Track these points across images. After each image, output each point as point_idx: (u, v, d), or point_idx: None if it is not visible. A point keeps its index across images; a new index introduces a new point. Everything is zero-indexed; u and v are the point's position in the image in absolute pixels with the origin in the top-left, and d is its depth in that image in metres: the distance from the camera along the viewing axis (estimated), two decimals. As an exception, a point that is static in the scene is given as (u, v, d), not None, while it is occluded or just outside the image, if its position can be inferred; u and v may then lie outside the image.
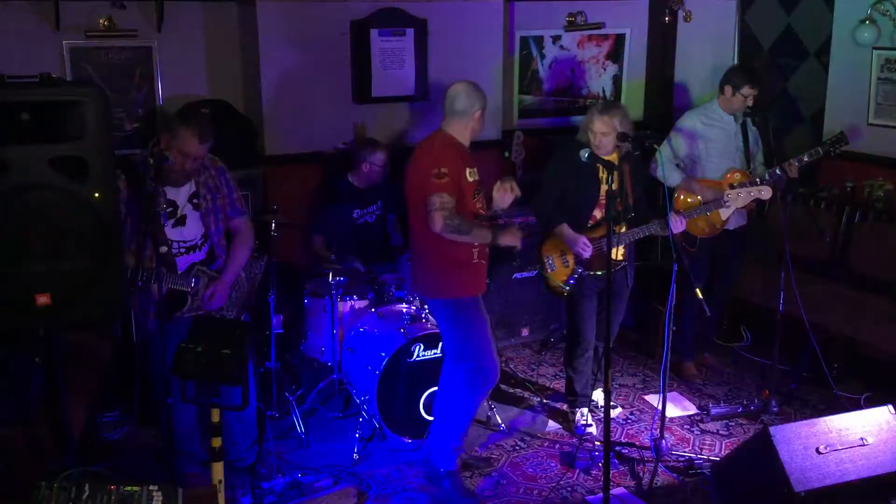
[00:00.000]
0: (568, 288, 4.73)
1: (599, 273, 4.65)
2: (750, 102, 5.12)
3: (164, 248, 3.91)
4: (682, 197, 5.20)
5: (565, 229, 4.64)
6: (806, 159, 4.97)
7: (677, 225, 4.57)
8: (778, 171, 4.94)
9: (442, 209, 3.97)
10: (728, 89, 5.13)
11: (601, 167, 4.55)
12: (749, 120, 5.18)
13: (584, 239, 4.59)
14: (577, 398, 4.97)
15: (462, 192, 4.07)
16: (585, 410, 4.95)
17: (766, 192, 4.82)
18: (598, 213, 4.67)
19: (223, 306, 4.19)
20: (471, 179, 4.11)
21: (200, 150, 3.93)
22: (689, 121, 5.27)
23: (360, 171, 5.50)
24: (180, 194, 4.03)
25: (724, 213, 5.11)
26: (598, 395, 5.05)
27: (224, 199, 4.16)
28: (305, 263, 5.66)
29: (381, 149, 5.52)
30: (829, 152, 5.04)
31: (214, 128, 4.02)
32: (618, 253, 4.65)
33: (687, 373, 5.54)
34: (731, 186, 5.00)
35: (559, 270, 4.74)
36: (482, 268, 4.22)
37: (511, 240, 4.14)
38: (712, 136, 5.18)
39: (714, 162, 5.18)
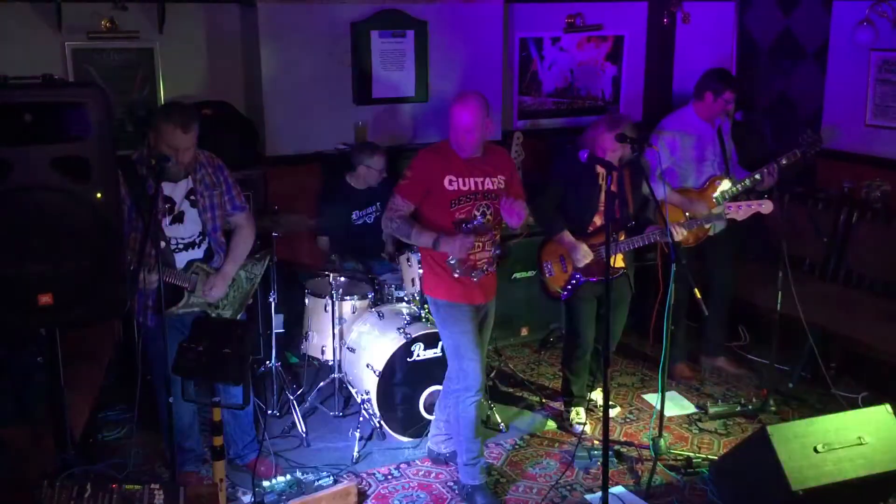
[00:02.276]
0: (566, 293, 4.74)
1: (599, 279, 4.66)
2: (731, 107, 5.11)
3: (162, 244, 3.93)
4: (669, 209, 5.16)
5: (565, 236, 4.65)
6: (784, 162, 4.97)
7: (677, 235, 4.60)
8: (757, 176, 4.96)
9: (388, 210, 4.11)
10: (709, 95, 5.10)
11: (601, 174, 4.58)
12: (726, 123, 5.18)
13: (583, 246, 4.60)
14: (574, 398, 4.99)
15: (435, 199, 4.04)
16: (581, 409, 4.97)
17: (766, 207, 4.77)
18: (598, 220, 4.68)
19: (220, 304, 4.20)
20: (450, 188, 4.03)
21: (185, 141, 3.89)
22: (667, 128, 5.21)
23: (358, 173, 5.52)
24: (177, 191, 4.03)
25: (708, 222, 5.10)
26: (598, 395, 5.07)
27: (222, 196, 4.16)
28: (307, 263, 5.68)
29: (380, 153, 5.52)
30: (806, 153, 5.02)
31: (197, 115, 3.97)
32: (617, 260, 4.66)
33: (679, 374, 5.54)
34: (723, 197, 5.01)
35: (557, 276, 4.76)
36: (466, 282, 4.11)
37: (453, 250, 3.98)
38: (690, 143, 5.14)
39: (694, 169, 5.15)
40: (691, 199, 5.10)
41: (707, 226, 5.10)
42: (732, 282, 5.56)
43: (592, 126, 4.66)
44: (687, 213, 5.07)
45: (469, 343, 4.11)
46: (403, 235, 4.10)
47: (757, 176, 4.98)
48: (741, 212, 4.80)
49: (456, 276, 4.09)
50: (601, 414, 4.91)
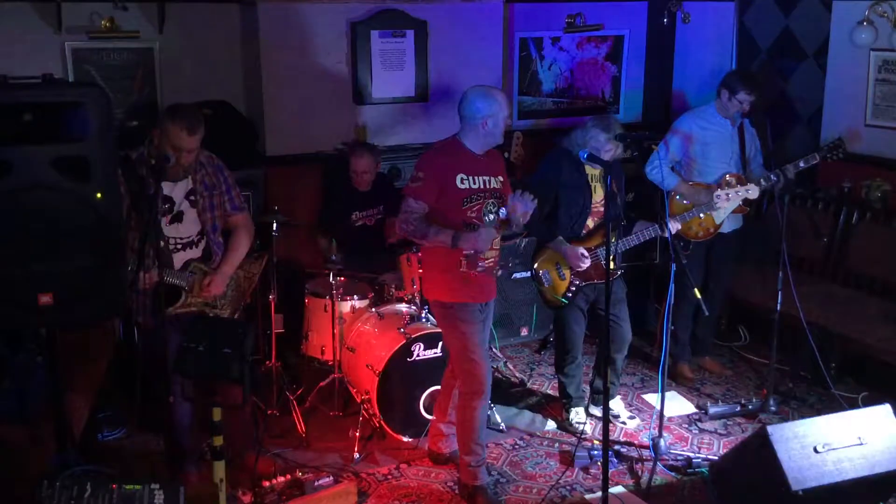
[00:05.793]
0: (566, 301, 4.73)
1: (596, 282, 4.67)
2: (746, 108, 5.09)
3: (160, 244, 3.93)
4: (675, 199, 5.19)
5: (562, 243, 4.64)
6: (802, 165, 4.98)
7: (671, 228, 4.59)
8: (773, 177, 4.95)
9: (402, 212, 4.06)
10: (725, 93, 5.11)
11: (590, 175, 4.59)
12: (747, 122, 5.19)
13: (581, 251, 4.60)
14: (572, 399, 4.99)
15: (447, 198, 4.03)
16: (580, 409, 4.97)
17: (752, 192, 4.79)
18: (590, 223, 4.68)
19: (218, 304, 4.20)
20: (462, 187, 4.04)
21: (191, 143, 3.92)
22: (685, 124, 5.24)
23: (352, 175, 5.53)
24: (177, 191, 4.04)
25: (718, 217, 5.11)
26: (616, 405, 5.07)
27: (221, 196, 4.17)
28: (307, 263, 5.68)
29: (359, 154, 5.50)
30: (826, 158, 5.04)
31: (203, 119, 3.99)
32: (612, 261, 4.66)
33: (682, 375, 5.54)
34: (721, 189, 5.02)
35: (556, 284, 4.74)
36: (475, 278, 4.11)
37: (471, 245, 3.98)
38: (708, 139, 5.16)
39: (710, 165, 5.16)
40: (698, 191, 5.10)
41: (719, 221, 5.10)
42: (731, 283, 5.56)
43: (581, 128, 4.63)
44: (686, 202, 5.09)
45: (476, 344, 4.11)
46: (420, 237, 4.05)
47: (773, 177, 4.96)
48: (730, 199, 4.79)
49: (464, 269, 4.07)
50: (623, 420, 4.96)
